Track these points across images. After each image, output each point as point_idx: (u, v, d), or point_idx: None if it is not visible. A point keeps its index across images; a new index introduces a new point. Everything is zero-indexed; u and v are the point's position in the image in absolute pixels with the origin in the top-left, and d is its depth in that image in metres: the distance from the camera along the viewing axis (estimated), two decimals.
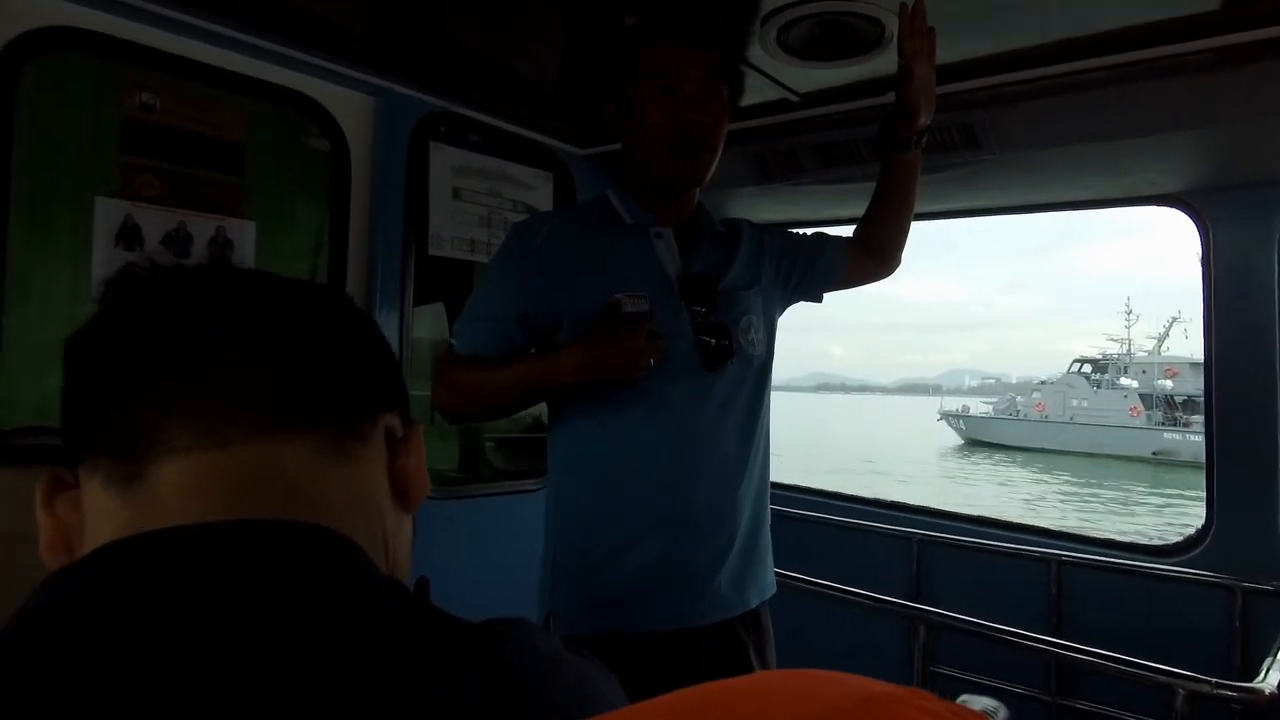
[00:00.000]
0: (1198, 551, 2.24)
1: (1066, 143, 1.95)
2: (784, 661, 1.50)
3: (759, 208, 2.71)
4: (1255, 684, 1.38)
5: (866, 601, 1.81)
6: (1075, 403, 37.87)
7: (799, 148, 2.26)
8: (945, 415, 44.29)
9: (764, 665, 1.36)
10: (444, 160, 2.23)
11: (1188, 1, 1.48)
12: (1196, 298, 2.28)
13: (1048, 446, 34.99)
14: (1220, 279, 2.22)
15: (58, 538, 0.44)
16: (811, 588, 1.82)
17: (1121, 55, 1.65)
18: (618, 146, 1.42)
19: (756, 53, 1.79)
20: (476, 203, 2.32)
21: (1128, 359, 41.62)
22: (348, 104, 2.03)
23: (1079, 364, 41.40)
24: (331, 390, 0.47)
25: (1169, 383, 37.78)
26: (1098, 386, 38.86)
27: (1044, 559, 2.41)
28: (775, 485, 1.52)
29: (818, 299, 1.57)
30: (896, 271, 1.59)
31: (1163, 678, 1.41)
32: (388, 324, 2.11)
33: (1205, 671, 1.41)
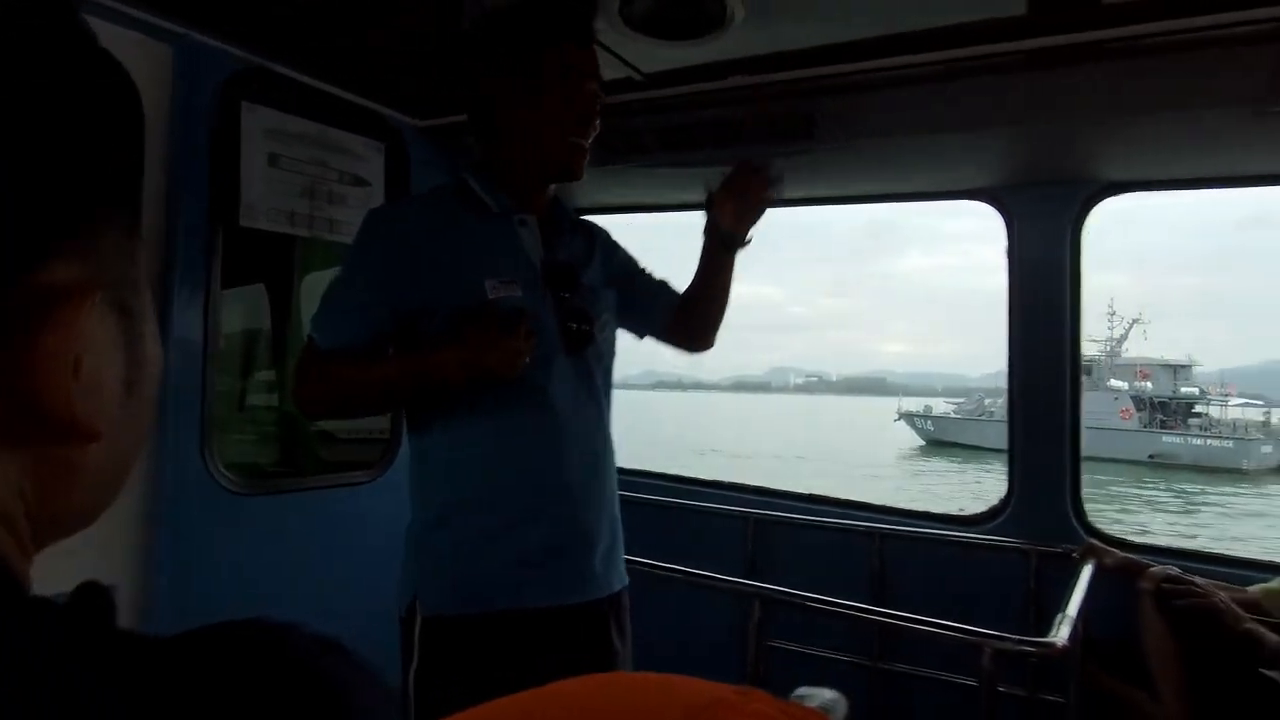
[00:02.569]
0: (1000, 520, 2.45)
1: (892, 134, 2.05)
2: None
3: (601, 189, 2.68)
4: (1049, 639, 1.51)
5: (702, 581, 1.84)
6: None
7: (642, 129, 2.24)
8: (905, 415, 43.65)
9: (623, 640, 1.40)
10: (258, 122, 2.02)
11: (996, 5, 1.58)
12: (988, 301, 2.47)
13: None
14: (1022, 271, 2.42)
15: None
16: (648, 569, 1.82)
17: (939, 53, 1.74)
18: (458, 119, 1.38)
19: (599, 26, 1.74)
20: (298, 171, 2.12)
21: (1110, 360, 40.89)
22: (137, 52, 1.78)
23: None
24: None
25: (1148, 384, 37.87)
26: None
27: (869, 532, 2.55)
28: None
29: (640, 335, 1.61)
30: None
31: (971, 637, 1.51)
32: (191, 307, 1.89)
33: (1007, 628, 1.53)
